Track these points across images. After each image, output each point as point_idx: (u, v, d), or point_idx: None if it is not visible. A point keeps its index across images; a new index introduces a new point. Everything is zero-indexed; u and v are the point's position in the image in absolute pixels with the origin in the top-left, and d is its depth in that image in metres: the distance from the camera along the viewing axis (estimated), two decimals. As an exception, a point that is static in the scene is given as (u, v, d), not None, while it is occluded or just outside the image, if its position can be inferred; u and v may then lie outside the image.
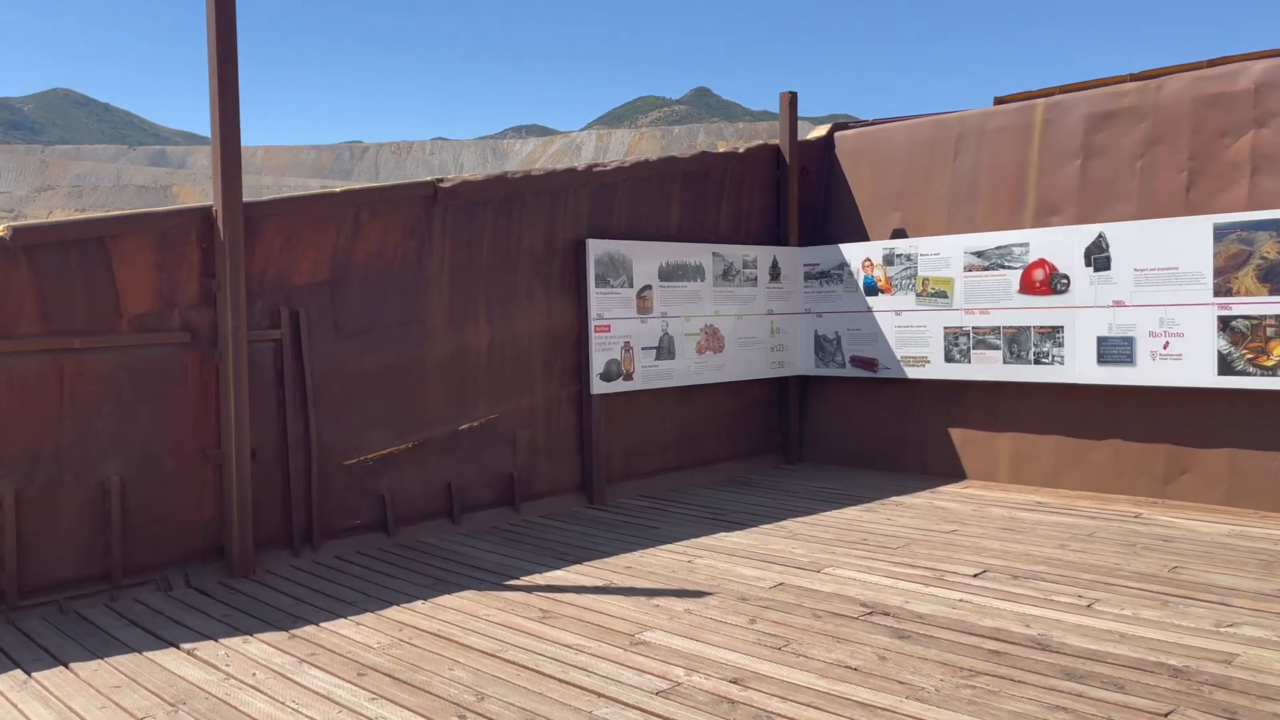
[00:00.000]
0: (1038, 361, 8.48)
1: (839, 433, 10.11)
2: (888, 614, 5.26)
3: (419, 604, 5.66)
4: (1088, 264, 8.19)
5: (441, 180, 7.54)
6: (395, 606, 5.63)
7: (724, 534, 7.21)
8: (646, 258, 8.70)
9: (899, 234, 9.79)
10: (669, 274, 8.87)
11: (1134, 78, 8.64)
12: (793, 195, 10.08)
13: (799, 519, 7.65)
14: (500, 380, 7.94)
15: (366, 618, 5.43)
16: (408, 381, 7.40)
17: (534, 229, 8.13)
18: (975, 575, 5.96)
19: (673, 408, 9.25)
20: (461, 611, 5.49)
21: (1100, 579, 5.81)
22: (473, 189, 7.70)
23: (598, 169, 8.55)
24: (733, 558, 6.51)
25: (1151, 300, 7.88)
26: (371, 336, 7.20)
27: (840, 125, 10.65)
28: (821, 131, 10.64)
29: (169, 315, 6.24)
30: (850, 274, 9.71)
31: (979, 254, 8.80)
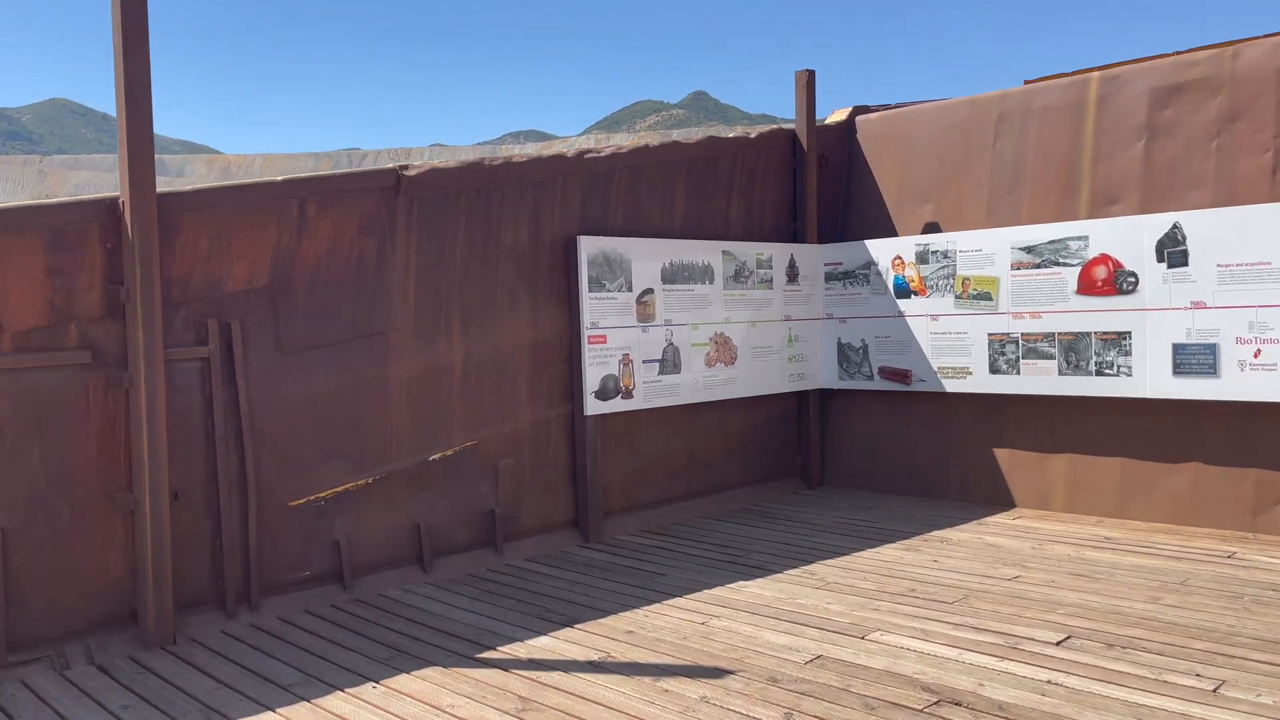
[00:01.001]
0: (1100, 373, 7.34)
1: (867, 454, 8.98)
2: (959, 703, 4.12)
3: (368, 689, 4.52)
4: (1160, 259, 7.06)
5: (405, 167, 6.42)
6: (338, 692, 4.49)
7: (742, 583, 6.07)
8: (647, 257, 7.58)
9: (932, 228, 8.67)
10: (673, 276, 7.75)
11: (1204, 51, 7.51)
12: (811, 185, 8.96)
13: (829, 561, 6.51)
14: (478, 401, 6.81)
15: (299, 712, 4.29)
16: (367, 405, 6.27)
17: (517, 225, 7.00)
18: (1059, 643, 4.82)
19: (679, 428, 8.13)
20: (420, 701, 4.35)
21: (1217, 648, 4.68)
22: (443, 178, 6.57)
23: (591, 155, 7.43)
24: (756, 617, 5.37)
25: (1239, 301, 6.74)
26: (322, 353, 6.06)
27: (861, 109, 9.53)
28: (841, 115, 9.51)
29: (63, 331, 5.11)
30: (878, 274, 8.58)
31: (1028, 249, 7.67)
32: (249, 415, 5.72)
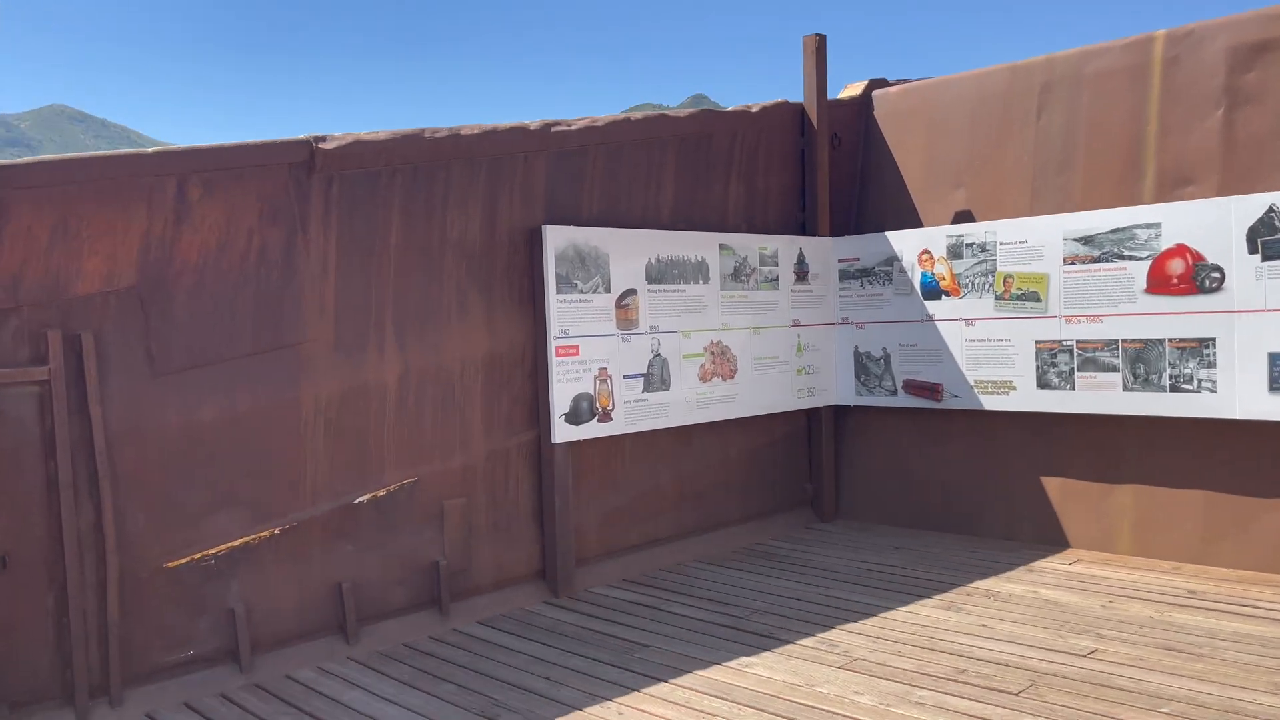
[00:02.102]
0: (1176, 388, 6.05)
1: (890, 482, 7.69)
2: None
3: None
4: (1253, 250, 5.78)
5: (322, 138, 5.14)
6: None
7: (745, 659, 4.79)
8: (629, 252, 6.30)
9: (964, 217, 7.39)
10: (660, 274, 6.47)
11: (1300, -8, 6.24)
12: (822, 168, 7.68)
13: (853, 625, 5.22)
14: (418, 429, 5.53)
15: None
16: (272, 437, 4.99)
17: (467, 212, 5.73)
18: (1178, 768, 3.53)
19: (668, 455, 6.84)
20: None
21: (1402, 780, 3.39)
22: (371, 152, 5.30)
23: (559, 129, 6.15)
24: (764, 716, 4.08)
25: (1357, 300, 5.46)
26: (211, 372, 4.79)
27: (878, 83, 8.25)
28: (856, 89, 8.24)
29: None
30: (901, 271, 7.30)
31: (1085, 240, 6.39)
32: (107, 453, 4.43)
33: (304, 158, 5.06)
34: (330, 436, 5.19)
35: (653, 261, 6.44)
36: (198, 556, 4.75)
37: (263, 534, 4.95)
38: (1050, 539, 6.82)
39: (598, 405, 6.13)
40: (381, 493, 5.38)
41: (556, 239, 5.93)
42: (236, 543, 4.87)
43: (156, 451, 4.62)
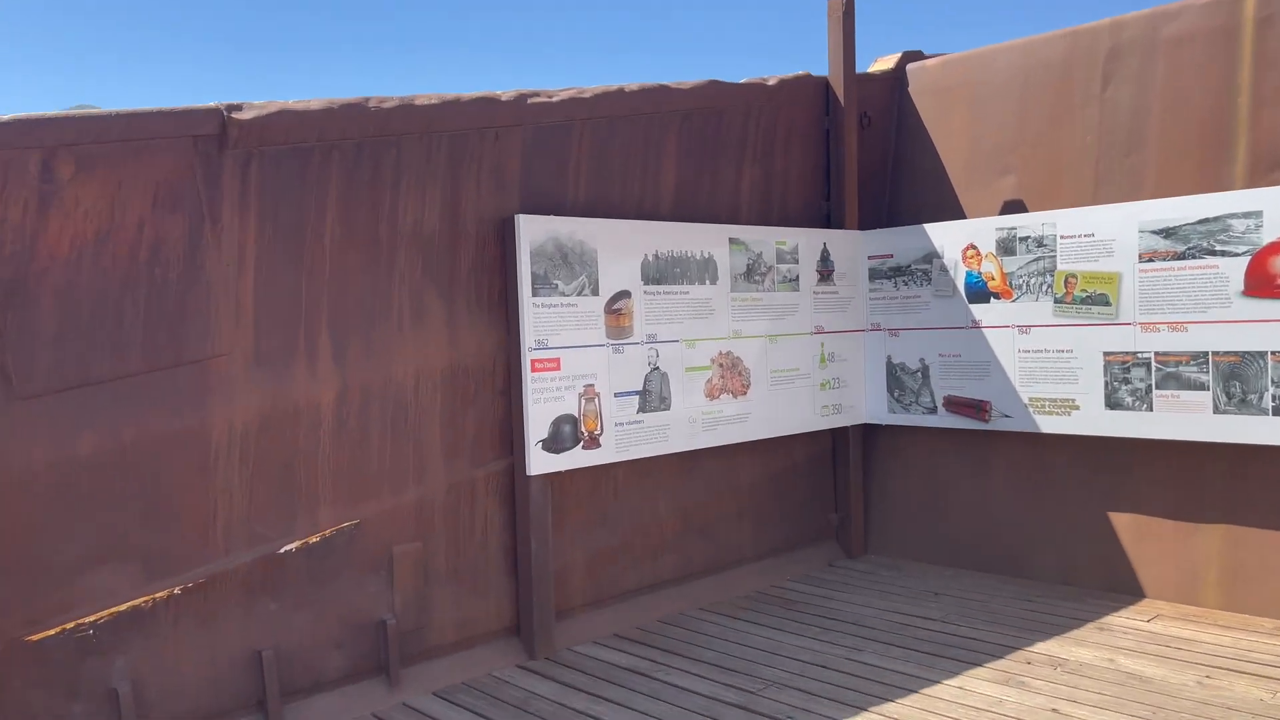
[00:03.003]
0: None
1: (927, 513, 6.67)
2: None
3: None
4: (1380, 243, 4.73)
5: (237, 106, 4.19)
6: None
7: (755, 757, 3.81)
8: (622, 247, 5.33)
9: (1014, 207, 6.37)
10: (659, 273, 5.49)
11: None
12: (850, 151, 6.68)
13: (888, 708, 4.22)
14: (361, 459, 4.58)
15: None
16: (172, 473, 4.05)
17: (423, 198, 4.77)
18: None
19: (669, 485, 5.86)
20: None
21: None
22: (301, 124, 4.34)
23: (537, 100, 5.17)
24: None
25: None
26: (89, 394, 3.85)
27: (913, 55, 7.23)
28: (888, 63, 7.22)
29: None
30: (943, 270, 6.28)
31: (1166, 232, 5.36)
32: (-57, 500, 3.50)
33: (213, 129, 4.11)
34: (248, 470, 4.24)
35: (650, 258, 5.45)
36: (71, 625, 3.81)
37: (159, 594, 4.01)
38: (1119, 586, 5.78)
39: (583, 429, 5.15)
40: (315, 538, 4.43)
41: (533, 231, 4.96)
42: (124, 606, 3.92)
43: (16, 494, 3.68)
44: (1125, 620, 5.28)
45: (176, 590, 4.05)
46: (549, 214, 5.13)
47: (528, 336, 4.94)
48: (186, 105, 4.08)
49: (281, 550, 4.33)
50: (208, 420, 4.13)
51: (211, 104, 4.15)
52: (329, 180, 4.45)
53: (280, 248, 4.32)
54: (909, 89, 7.04)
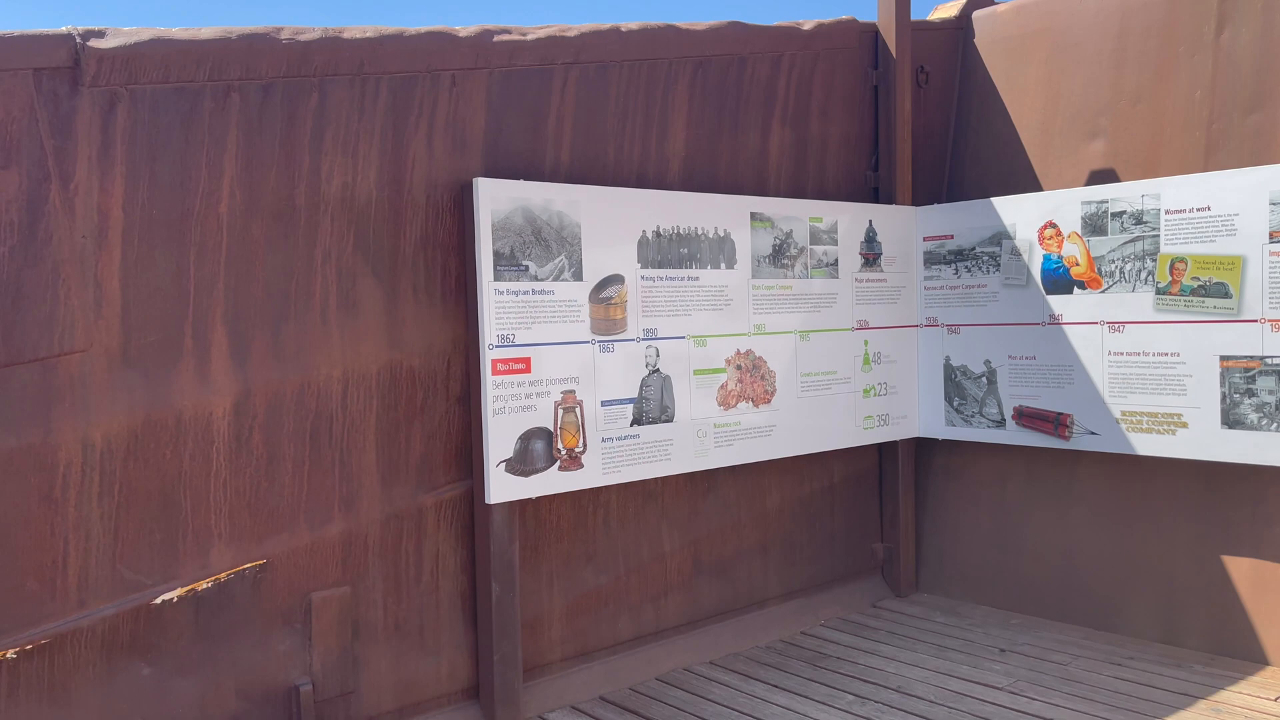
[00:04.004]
0: None
1: (991, 546, 5.56)
2: None
3: None
4: None
5: (98, 34, 3.27)
6: None
7: None
8: (615, 221, 4.32)
9: (1105, 177, 5.23)
10: (662, 254, 4.48)
11: None
12: (903, 113, 5.59)
13: (940, 831, 3.16)
14: (269, 484, 3.64)
15: None
16: (4, 502, 3.14)
17: (353, 157, 3.81)
18: None
19: (675, 513, 4.85)
20: None
21: None
22: (184, 58, 3.41)
23: (506, 39, 4.18)
24: None
25: None
26: (-117, 401, 2.96)
27: (979, 0, 6.10)
28: (950, 9, 6.10)
29: None
30: (1014, 253, 5.17)
31: (1306, 204, 4.20)
32: None
33: (63, 61, 3.19)
34: (112, 500, 3.32)
35: (650, 236, 4.44)
36: None
37: (-16, 659, 3.11)
38: (1234, 649, 4.63)
39: (560, 446, 4.15)
40: (205, 584, 3.50)
41: (495, 198, 3.97)
42: (-68, 676, 3.04)
43: None
44: (1246, 698, 4.15)
45: (10, 654, 3.15)
46: (519, 177, 4.14)
47: (488, 331, 3.95)
48: (28, 30, 3.16)
49: (158, 600, 3.41)
50: (54, 436, 3.21)
51: (63, 29, 3.22)
52: (226, 131, 3.51)
53: (159, 217, 3.39)
54: (975, 39, 5.92)
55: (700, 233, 4.61)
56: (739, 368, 4.76)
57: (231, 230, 3.53)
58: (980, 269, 5.31)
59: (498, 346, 3.98)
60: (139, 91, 3.34)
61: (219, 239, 3.50)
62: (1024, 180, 5.58)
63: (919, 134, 5.77)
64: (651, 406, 4.45)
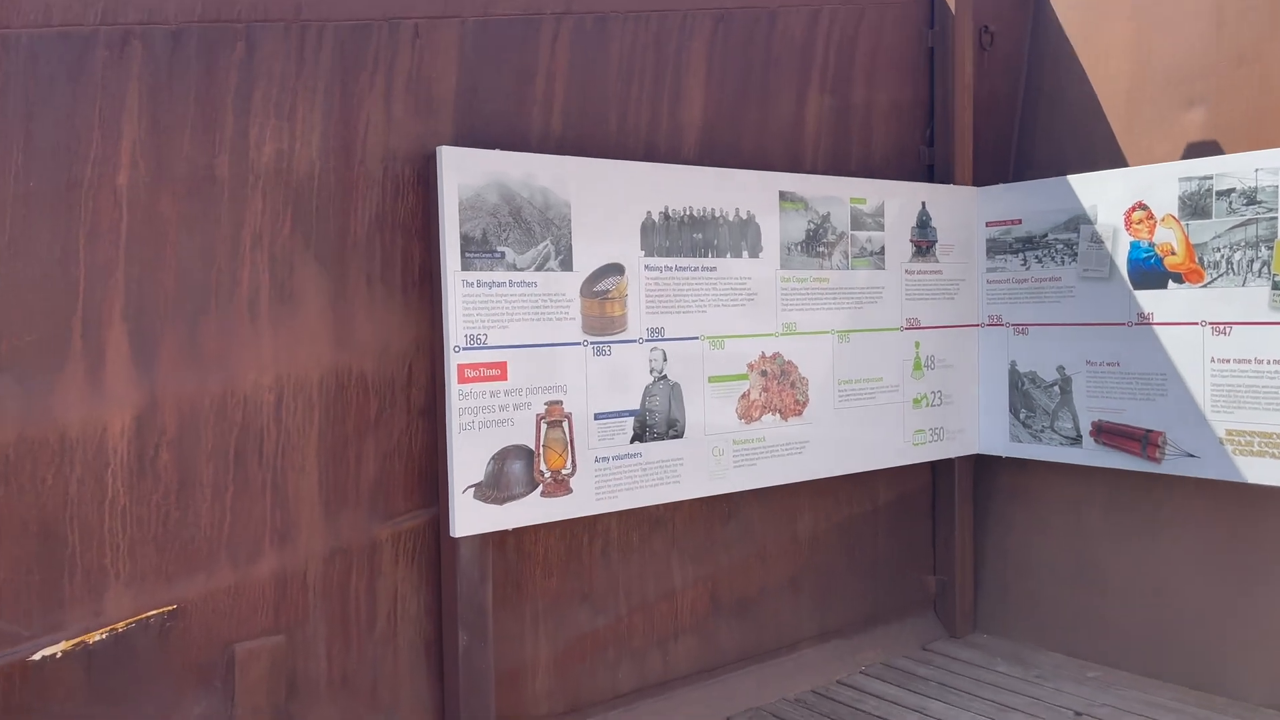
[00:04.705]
0: None
1: (1064, 583, 4.76)
2: None
3: None
4: None
5: (-45, -37, 2.67)
6: None
7: None
8: (612, 199, 3.63)
9: (1205, 150, 4.41)
10: (672, 240, 3.78)
11: None
12: (963, 78, 4.82)
13: None
14: (180, 513, 3.01)
15: None
16: None
17: (291, 119, 3.17)
18: None
19: (688, 542, 4.15)
20: None
21: None
22: (72, -4, 2.80)
23: (484, -18, 3.52)
24: None
25: None
26: None
27: (1056, -47, 5.29)
28: (1020, -39, 5.30)
29: None
30: (1095, 239, 4.38)
31: None
32: None
33: (-89, -5, 2.59)
34: (-23, 534, 2.73)
35: (656, 218, 3.74)
36: None
37: None
38: (1371, 722, 3.80)
39: (542, 467, 3.48)
40: (98, 635, 2.89)
41: (464, 170, 3.31)
42: None
43: None
44: (1391, 792, 3.33)
45: None
46: (496, 146, 3.47)
47: (453, 330, 3.29)
48: None
49: (38, 655, 2.80)
50: (-100, 456, 2.62)
51: (-87, -43, 2.63)
52: (125, 86, 2.89)
53: (38, 189, 2.78)
54: (1049, -5, 5.12)
55: (719, 215, 3.90)
56: (764, 374, 4.04)
57: (133, 206, 2.91)
58: (1053, 259, 4.52)
59: (466, 349, 3.31)
60: (11, 37, 2.73)
61: (117, 217, 2.89)
62: (1105, 155, 4.77)
63: (981, 103, 4.99)
64: (657, 420, 3.75)
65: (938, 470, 4.95)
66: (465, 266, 3.31)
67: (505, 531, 3.51)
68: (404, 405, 3.41)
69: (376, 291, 3.34)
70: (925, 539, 4.98)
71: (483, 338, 3.35)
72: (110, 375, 2.89)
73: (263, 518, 3.15)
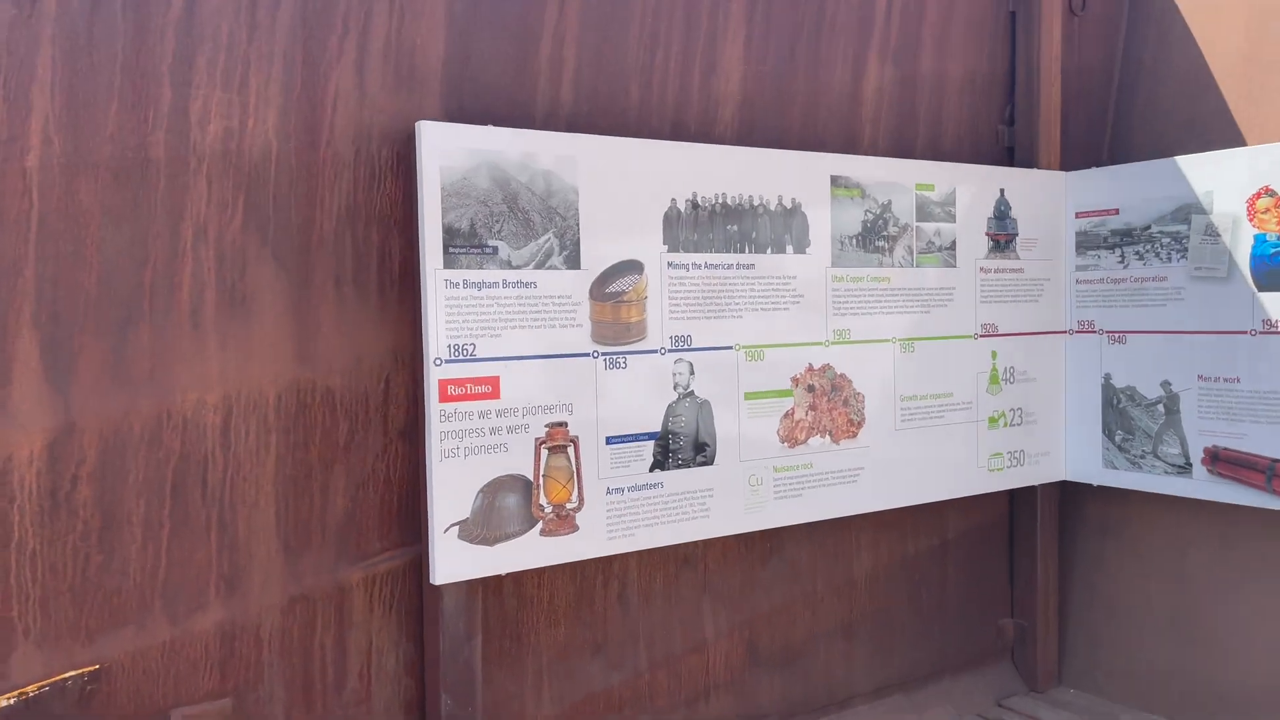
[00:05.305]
0: None
1: (1169, 634, 4.08)
2: None
3: None
4: None
5: None
6: None
7: None
8: (628, 184, 3.08)
9: (1345, 127, 3.70)
10: (701, 233, 3.22)
11: None
12: (1050, 48, 4.17)
13: None
14: (105, 558, 2.55)
15: None
16: None
17: (241, 89, 2.68)
18: None
19: (722, 584, 3.59)
20: None
21: None
22: (-34, -58, 2.34)
23: (478, -70, 2.99)
24: None
25: None
26: None
27: (1159, -96, 4.58)
28: (1116, -87, 4.61)
29: None
30: (1209, 232, 3.70)
31: None
32: None
33: None
34: None
35: (681, 208, 3.18)
36: None
37: None
38: None
39: (543, 500, 2.95)
40: (5, 701, 2.44)
41: (447, 151, 2.79)
42: None
43: None
44: None
45: None
46: (488, 122, 2.94)
47: (434, 340, 2.78)
48: None
49: (-73, 727, 2.36)
50: None
51: None
52: (35, 50, 2.43)
53: (-72, 171, 2.33)
54: (1151, -49, 4.43)
55: (758, 203, 3.33)
56: (811, 389, 3.46)
57: (46, 193, 2.45)
58: (1157, 255, 3.85)
59: (450, 361, 2.80)
60: (-109, -12, 2.28)
61: (25, 205, 2.43)
62: (1220, 133, 4.07)
63: (1072, 75, 4.33)
64: (682, 444, 3.20)
65: (1017, 500, 4.30)
66: (449, 264, 2.79)
67: (480, 583, 2.99)
68: (379, 427, 2.90)
69: (347, 294, 2.84)
70: (1002, 578, 4.34)
71: (470, 348, 2.82)
72: (17, 394, 2.43)
73: (206, 561, 2.67)
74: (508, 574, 3.00)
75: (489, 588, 3.03)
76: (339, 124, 2.81)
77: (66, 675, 2.50)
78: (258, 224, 2.71)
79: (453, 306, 2.79)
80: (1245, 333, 3.58)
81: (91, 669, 2.53)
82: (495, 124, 2.95)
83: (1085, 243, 4.08)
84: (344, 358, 2.84)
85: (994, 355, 3.94)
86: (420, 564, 2.95)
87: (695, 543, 3.45)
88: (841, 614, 3.88)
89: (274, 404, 2.74)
